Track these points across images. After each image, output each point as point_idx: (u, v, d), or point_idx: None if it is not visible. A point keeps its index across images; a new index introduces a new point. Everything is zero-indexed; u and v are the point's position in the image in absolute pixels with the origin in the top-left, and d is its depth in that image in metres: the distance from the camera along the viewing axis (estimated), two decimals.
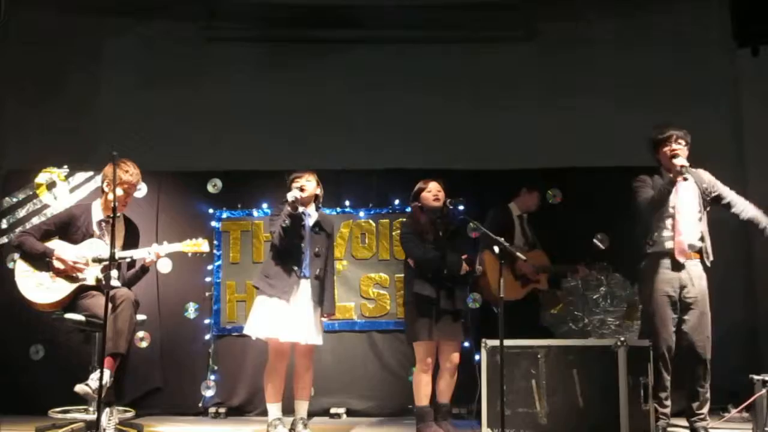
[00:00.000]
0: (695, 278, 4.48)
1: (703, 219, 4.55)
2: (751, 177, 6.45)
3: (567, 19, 6.92)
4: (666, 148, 4.54)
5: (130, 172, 4.67)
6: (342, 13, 6.86)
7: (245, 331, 4.81)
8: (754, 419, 4.37)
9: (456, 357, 4.87)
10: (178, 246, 4.76)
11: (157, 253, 4.69)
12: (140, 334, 5.80)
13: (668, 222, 4.51)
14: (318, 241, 4.89)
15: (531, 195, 5.69)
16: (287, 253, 4.77)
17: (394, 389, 5.91)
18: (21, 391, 5.73)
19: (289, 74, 6.80)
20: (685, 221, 4.48)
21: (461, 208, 5.01)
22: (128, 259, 4.71)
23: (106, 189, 4.71)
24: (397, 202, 6.26)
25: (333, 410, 5.86)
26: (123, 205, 4.68)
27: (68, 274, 4.55)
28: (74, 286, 4.55)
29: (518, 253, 4.31)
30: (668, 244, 4.50)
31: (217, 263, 6.18)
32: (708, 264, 4.55)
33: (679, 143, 4.52)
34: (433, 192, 4.98)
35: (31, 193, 6.18)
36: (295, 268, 4.75)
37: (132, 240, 4.86)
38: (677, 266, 4.47)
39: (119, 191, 4.49)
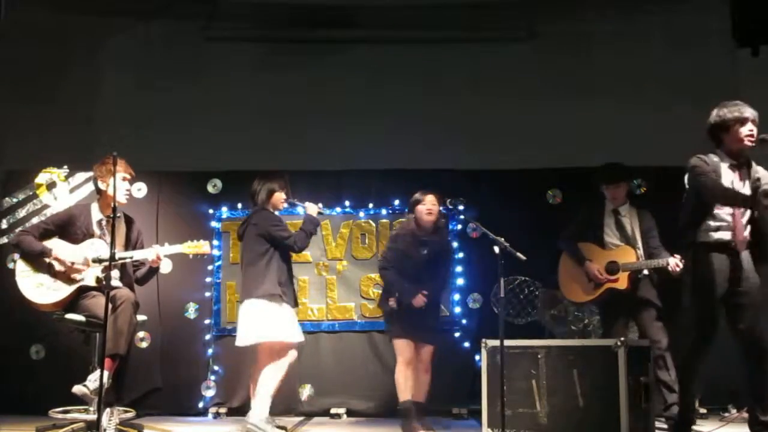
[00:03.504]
0: (748, 270, 4.16)
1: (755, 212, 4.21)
2: None
3: (567, 19, 6.93)
4: (742, 129, 4.18)
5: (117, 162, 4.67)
6: (342, 13, 6.86)
7: (295, 340, 4.78)
8: None
9: (428, 357, 4.96)
10: (180, 247, 4.75)
11: (158, 255, 4.68)
12: (140, 334, 5.84)
13: (722, 212, 4.19)
14: None
15: (618, 188, 5.23)
16: (290, 259, 4.92)
17: (394, 389, 5.85)
18: (21, 391, 5.74)
19: (289, 74, 6.79)
20: (738, 212, 4.18)
21: (461, 208, 5.02)
22: (129, 260, 4.71)
23: (101, 187, 4.71)
24: (397, 202, 6.27)
25: (333, 410, 5.86)
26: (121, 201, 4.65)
27: (67, 274, 4.55)
28: (74, 286, 4.55)
29: (518, 254, 4.30)
30: (719, 235, 4.18)
31: (217, 263, 6.19)
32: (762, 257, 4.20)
33: (756, 126, 4.19)
34: (427, 206, 5.02)
35: (31, 193, 6.19)
36: (292, 273, 4.98)
37: (133, 238, 4.85)
38: (728, 257, 4.15)
39: (126, 185, 4.58)
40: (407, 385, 4.86)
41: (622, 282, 5.06)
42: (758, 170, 4.22)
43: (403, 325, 4.93)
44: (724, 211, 4.16)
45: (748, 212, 4.18)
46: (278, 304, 4.74)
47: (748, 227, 4.20)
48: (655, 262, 4.96)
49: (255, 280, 4.77)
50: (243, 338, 4.80)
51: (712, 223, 4.19)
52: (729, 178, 4.18)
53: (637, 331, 5.12)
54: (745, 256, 4.17)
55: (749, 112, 4.20)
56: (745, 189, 4.16)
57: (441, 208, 5.05)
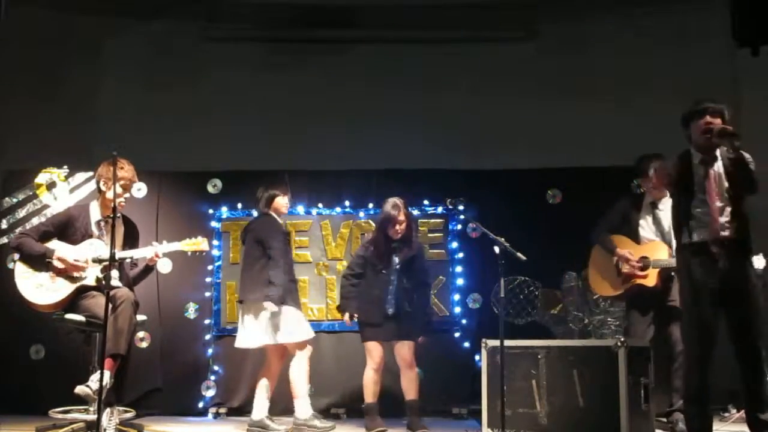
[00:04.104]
0: (734, 268, 3.93)
1: (736, 203, 3.99)
2: None
3: (567, 19, 6.93)
4: (701, 121, 4.04)
5: (125, 168, 4.68)
6: (342, 13, 6.87)
7: (306, 337, 4.93)
8: None
9: (406, 353, 4.98)
10: (178, 245, 4.76)
11: (156, 253, 4.69)
12: (140, 334, 5.83)
13: (700, 212, 3.97)
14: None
15: (657, 177, 4.97)
16: (291, 268, 5.06)
17: (394, 389, 5.89)
18: (21, 391, 5.73)
19: (289, 74, 6.80)
20: (716, 206, 3.96)
21: (461, 208, 5.02)
22: (128, 260, 4.71)
23: (103, 188, 4.71)
24: None
25: (333, 410, 5.85)
26: (121, 203, 4.66)
27: (68, 274, 4.55)
28: (74, 286, 4.55)
29: (518, 254, 4.30)
30: (697, 236, 3.97)
31: (217, 263, 6.18)
32: (747, 254, 4.00)
33: (715, 118, 4.03)
34: (398, 224, 5.01)
35: (31, 193, 6.18)
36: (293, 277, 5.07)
37: (131, 239, 4.86)
38: (711, 256, 3.93)
39: (117, 188, 4.50)
40: (374, 389, 5.00)
41: (650, 279, 4.83)
42: (725, 156, 4.06)
43: (372, 328, 5.00)
44: (702, 211, 3.99)
45: (729, 209, 3.98)
46: (287, 305, 4.85)
47: (729, 224, 3.97)
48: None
49: (250, 284, 4.92)
50: (242, 340, 4.96)
51: (692, 223, 4.01)
52: (699, 173, 4.03)
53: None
54: (729, 255, 3.94)
55: (706, 104, 4.05)
56: (720, 183, 4.00)
57: (447, 207, 5.06)
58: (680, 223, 4.08)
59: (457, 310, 6.13)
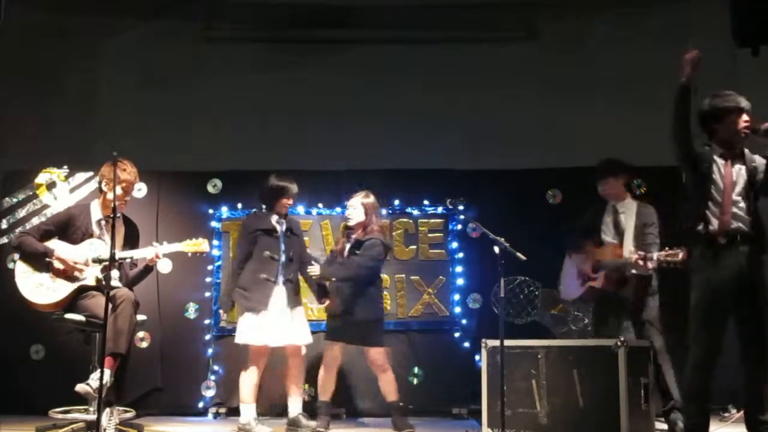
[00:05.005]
0: (750, 265, 3.86)
1: (754, 202, 3.96)
2: None
3: (567, 19, 6.93)
4: (740, 119, 4.03)
5: (128, 170, 4.68)
6: (342, 13, 6.87)
7: (239, 341, 4.96)
8: None
9: (374, 357, 4.99)
10: (178, 246, 4.75)
11: (157, 254, 4.68)
12: (140, 334, 5.84)
13: (716, 202, 3.93)
14: (291, 245, 5.09)
15: (606, 184, 5.07)
16: (262, 266, 4.96)
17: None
18: (21, 391, 5.74)
19: (289, 74, 6.80)
20: (729, 200, 3.92)
21: (461, 208, 5.02)
22: (128, 260, 4.71)
23: (104, 189, 4.71)
24: (397, 202, 6.26)
25: (333, 411, 5.84)
26: (122, 204, 4.67)
27: (68, 274, 4.55)
28: (74, 286, 4.55)
29: (518, 254, 4.30)
30: (706, 225, 3.91)
31: (217, 263, 6.18)
32: (763, 251, 3.92)
33: (749, 115, 4.04)
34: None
35: (31, 193, 6.18)
36: (272, 278, 4.93)
37: (132, 239, 4.85)
38: (725, 251, 3.87)
39: (118, 190, 4.49)
40: (324, 387, 5.05)
41: (599, 281, 4.90)
42: (754, 158, 4.05)
43: (332, 329, 5.05)
44: (718, 204, 3.91)
45: (743, 203, 3.92)
46: (242, 308, 4.92)
47: (745, 220, 3.92)
48: (621, 262, 4.76)
49: None
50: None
51: (708, 215, 3.93)
52: (719, 167, 4.01)
53: (632, 332, 4.97)
54: (741, 248, 3.87)
55: (739, 100, 4.12)
56: (739, 179, 3.98)
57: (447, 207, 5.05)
58: (693, 209, 3.99)
59: (457, 310, 6.13)
